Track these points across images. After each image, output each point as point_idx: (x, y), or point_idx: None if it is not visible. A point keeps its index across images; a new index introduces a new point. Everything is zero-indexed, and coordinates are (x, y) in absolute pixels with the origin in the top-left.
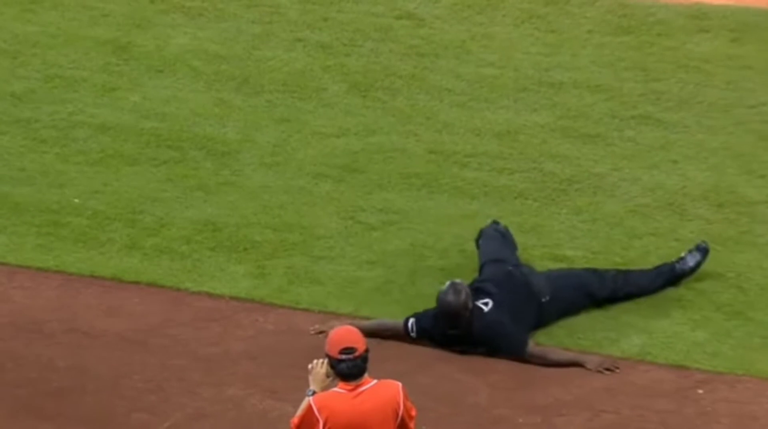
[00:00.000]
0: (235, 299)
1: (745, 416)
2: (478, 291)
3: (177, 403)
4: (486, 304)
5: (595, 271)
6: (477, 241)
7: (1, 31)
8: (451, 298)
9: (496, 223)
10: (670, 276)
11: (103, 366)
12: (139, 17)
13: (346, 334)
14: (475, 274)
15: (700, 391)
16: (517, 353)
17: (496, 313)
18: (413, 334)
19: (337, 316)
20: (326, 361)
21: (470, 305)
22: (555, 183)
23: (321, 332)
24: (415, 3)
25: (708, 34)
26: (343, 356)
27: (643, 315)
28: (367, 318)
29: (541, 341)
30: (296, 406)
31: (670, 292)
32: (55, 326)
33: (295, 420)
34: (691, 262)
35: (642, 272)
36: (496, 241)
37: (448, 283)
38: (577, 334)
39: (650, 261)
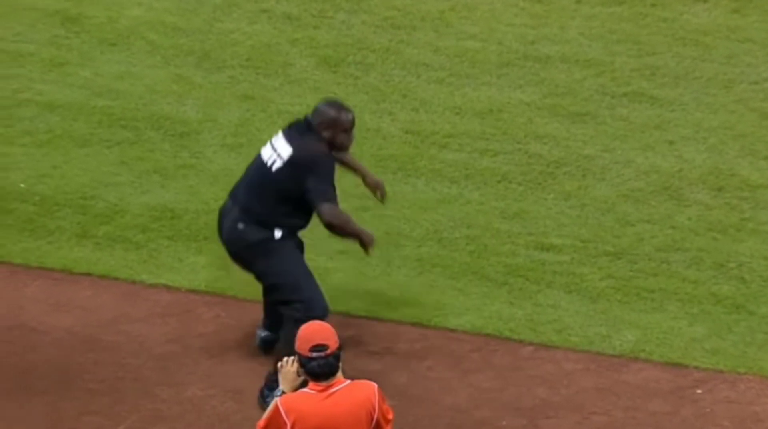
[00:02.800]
0: (195, 292)
1: (747, 418)
2: None
3: (132, 404)
4: None
5: None
6: None
7: None
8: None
9: None
10: None
11: (51, 365)
12: None
13: (317, 331)
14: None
15: (699, 391)
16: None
17: None
18: None
19: None
20: (296, 359)
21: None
22: (541, 165)
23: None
24: None
25: (706, 4)
26: (314, 354)
27: (637, 309)
28: (340, 313)
29: (528, 337)
30: (261, 409)
31: (666, 283)
32: (0, 322)
33: (261, 423)
34: None
35: None
36: None
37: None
38: (567, 331)
39: (644, 249)
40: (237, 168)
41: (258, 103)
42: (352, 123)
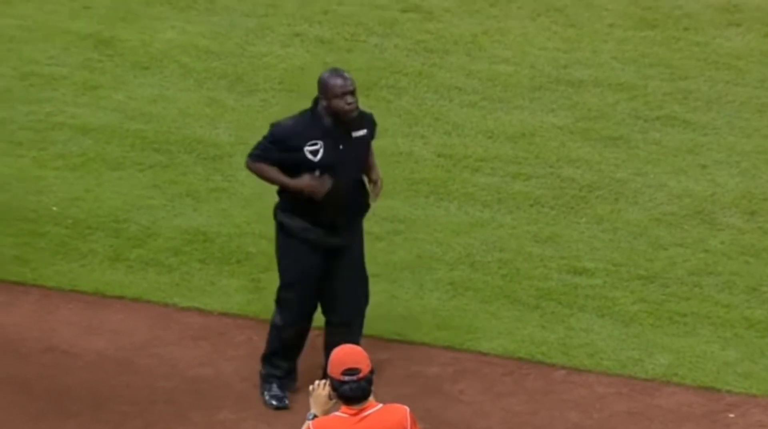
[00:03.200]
0: (227, 315)
1: None
2: None
3: (164, 428)
4: None
5: None
6: None
7: None
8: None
9: None
10: None
11: (84, 388)
12: (124, 10)
13: (349, 354)
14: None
15: (732, 415)
16: None
17: None
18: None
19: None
20: (328, 382)
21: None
22: (574, 189)
23: None
24: None
25: (740, 28)
26: (346, 378)
27: (670, 333)
28: (372, 336)
29: (560, 361)
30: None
31: (699, 307)
32: (32, 345)
33: None
34: None
35: None
36: None
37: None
38: (599, 355)
39: (677, 273)
40: (269, 191)
41: None
42: (344, 87)
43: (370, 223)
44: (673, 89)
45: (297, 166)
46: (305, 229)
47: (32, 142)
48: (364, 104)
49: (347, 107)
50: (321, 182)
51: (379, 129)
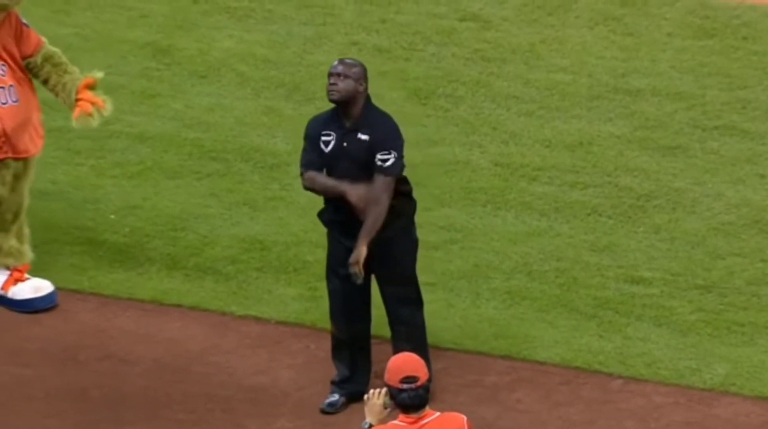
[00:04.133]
0: (284, 324)
1: None
2: None
3: None
4: None
5: None
6: None
7: None
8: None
9: None
10: None
11: (141, 396)
12: (181, 18)
13: (407, 362)
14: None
15: None
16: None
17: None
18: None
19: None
20: (384, 391)
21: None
22: (631, 199)
23: None
24: (481, 3)
25: None
26: (405, 386)
27: (727, 342)
28: (429, 345)
29: (617, 370)
30: None
31: (756, 317)
32: (90, 353)
33: None
34: None
35: None
36: None
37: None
38: (656, 364)
39: (734, 283)
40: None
41: None
42: (331, 68)
43: (425, 232)
44: (731, 98)
45: (322, 156)
46: (332, 223)
47: (90, 151)
48: (421, 113)
49: (329, 87)
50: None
51: (436, 137)
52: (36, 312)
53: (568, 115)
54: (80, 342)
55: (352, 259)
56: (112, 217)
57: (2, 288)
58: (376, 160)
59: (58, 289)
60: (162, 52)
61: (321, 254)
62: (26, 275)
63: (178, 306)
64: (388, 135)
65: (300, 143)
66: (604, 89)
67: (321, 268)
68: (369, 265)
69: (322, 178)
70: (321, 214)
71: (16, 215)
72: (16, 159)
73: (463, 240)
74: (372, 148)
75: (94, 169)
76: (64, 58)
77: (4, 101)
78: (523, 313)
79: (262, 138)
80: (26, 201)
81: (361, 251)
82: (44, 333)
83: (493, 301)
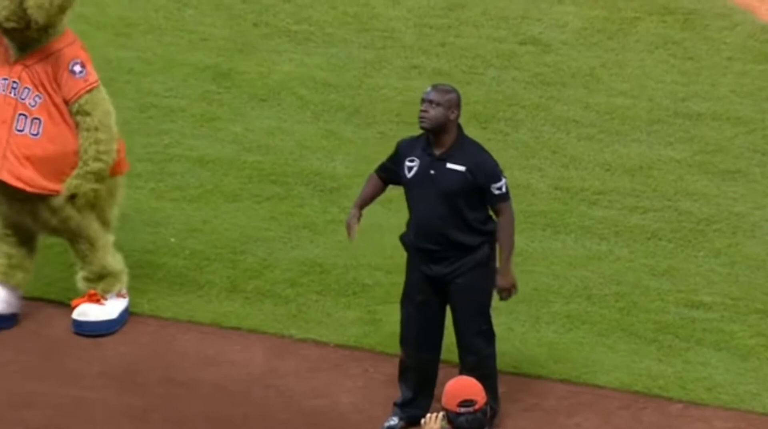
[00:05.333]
0: (344, 347)
1: None
2: None
3: None
4: None
5: None
6: None
7: (94, 57)
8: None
9: None
10: None
11: (200, 419)
12: (242, 42)
13: (465, 386)
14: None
15: None
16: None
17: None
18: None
19: (455, 366)
20: (441, 415)
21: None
22: (691, 223)
23: None
24: (541, 27)
25: None
26: (462, 409)
27: None
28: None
29: (677, 395)
30: None
31: None
32: (149, 376)
33: None
34: None
35: None
36: None
37: None
38: (717, 389)
39: None
40: (386, 223)
41: None
42: (424, 95)
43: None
44: None
45: (400, 179)
46: (412, 249)
47: (150, 174)
48: (482, 137)
49: (420, 114)
50: (349, 223)
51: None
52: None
53: (628, 139)
54: (140, 365)
55: (504, 284)
56: (172, 240)
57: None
58: (491, 190)
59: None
60: (222, 75)
61: (380, 277)
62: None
63: (238, 329)
64: (489, 164)
65: (360, 167)
66: (664, 113)
67: (381, 292)
68: (445, 293)
69: (367, 186)
70: (402, 237)
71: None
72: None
73: (522, 264)
74: (474, 179)
75: (154, 193)
76: (92, 123)
77: (21, 129)
78: (582, 337)
79: (322, 161)
80: (90, 231)
81: (510, 276)
82: (105, 356)
83: (552, 325)
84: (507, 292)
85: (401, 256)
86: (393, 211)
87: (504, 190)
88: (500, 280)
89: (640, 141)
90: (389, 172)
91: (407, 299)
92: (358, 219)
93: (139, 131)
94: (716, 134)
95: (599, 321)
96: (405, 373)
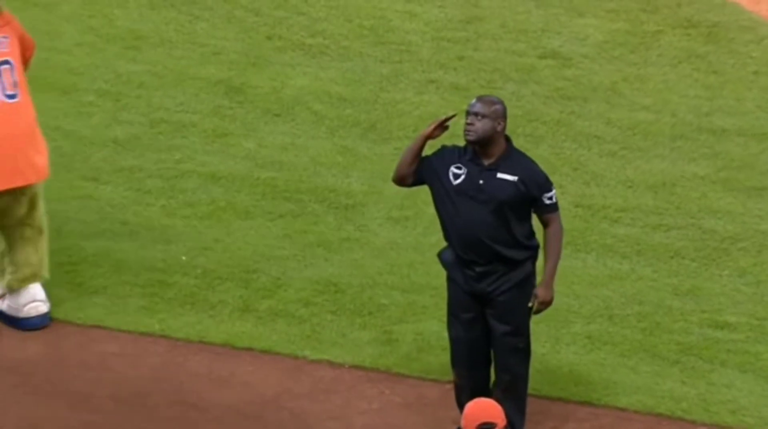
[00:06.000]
0: (359, 368)
1: None
2: None
3: None
4: None
5: None
6: None
7: (103, 70)
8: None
9: None
10: None
11: None
12: (255, 55)
13: (484, 408)
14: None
15: None
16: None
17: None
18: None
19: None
20: None
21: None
22: (716, 241)
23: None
24: (561, 41)
25: None
26: None
27: None
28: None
29: (700, 417)
30: None
31: None
32: (160, 398)
33: None
34: None
35: None
36: None
37: None
38: (741, 411)
39: None
40: (402, 241)
41: None
42: (469, 107)
43: None
44: None
45: (441, 184)
46: (452, 266)
47: (161, 191)
48: None
49: (466, 127)
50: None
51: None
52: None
53: (651, 155)
54: (150, 387)
55: (545, 297)
56: (183, 258)
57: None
58: (543, 199)
59: (127, 332)
60: (235, 89)
61: (397, 297)
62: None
63: (250, 349)
64: (540, 174)
65: (375, 184)
66: (688, 129)
67: (397, 311)
68: (485, 310)
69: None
70: (441, 255)
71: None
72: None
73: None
74: (526, 189)
75: (164, 210)
76: None
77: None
78: (603, 359)
79: (337, 178)
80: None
81: (552, 290)
82: (114, 378)
83: (573, 346)
84: (545, 306)
85: (418, 274)
86: (409, 228)
87: (554, 200)
88: (541, 293)
89: (663, 157)
90: (429, 169)
91: (453, 318)
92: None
93: (150, 147)
94: (741, 150)
95: (621, 342)
96: (462, 394)
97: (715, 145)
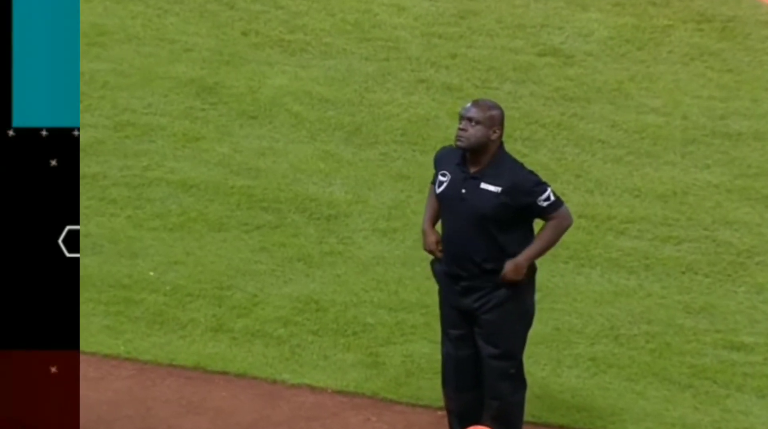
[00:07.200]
0: (343, 393)
1: None
2: None
3: None
4: None
5: None
6: None
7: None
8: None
9: None
10: None
11: None
12: (229, 53)
13: None
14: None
15: None
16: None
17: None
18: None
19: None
20: None
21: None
22: (731, 255)
23: None
24: (562, 37)
25: None
26: None
27: None
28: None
29: None
30: None
31: None
32: (126, 424)
33: None
34: None
35: None
36: None
37: None
38: None
39: None
40: (390, 255)
41: (414, 182)
42: (462, 111)
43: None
44: None
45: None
46: (442, 278)
47: (127, 200)
48: None
49: (458, 132)
50: (432, 250)
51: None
52: None
53: (660, 162)
54: (116, 413)
55: (505, 272)
56: (151, 273)
57: None
58: (538, 204)
59: (90, 354)
60: (207, 90)
61: (383, 316)
62: None
63: (224, 373)
64: (528, 181)
65: (360, 192)
66: (701, 133)
67: (383, 332)
68: (473, 330)
69: (429, 200)
70: (433, 264)
71: None
72: None
73: (542, 300)
74: (510, 200)
75: (131, 220)
76: None
77: None
78: (609, 383)
79: (318, 186)
80: None
81: (522, 271)
82: None
83: (575, 369)
84: (508, 283)
85: (407, 291)
86: (397, 241)
87: (552, 198)
88: (507, 266)
89: (674, 163)
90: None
91: (444, 336)
92: (437, 239)
93: (115, 152)
94: (758, 156)
95: (628, 364)
96: (450, 418)
97: (731, 151)
